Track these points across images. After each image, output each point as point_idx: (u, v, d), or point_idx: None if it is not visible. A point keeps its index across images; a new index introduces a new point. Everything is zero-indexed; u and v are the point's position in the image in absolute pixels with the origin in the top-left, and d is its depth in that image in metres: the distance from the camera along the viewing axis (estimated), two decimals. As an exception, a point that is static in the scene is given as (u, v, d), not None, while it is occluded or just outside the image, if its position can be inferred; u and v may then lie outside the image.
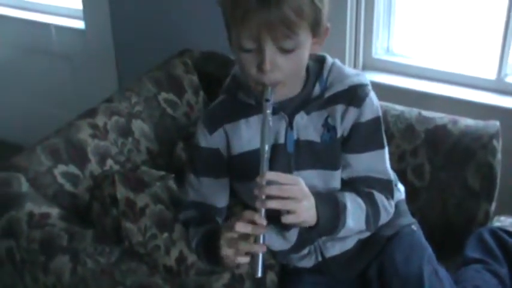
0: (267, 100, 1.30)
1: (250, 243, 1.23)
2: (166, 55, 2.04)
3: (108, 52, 2.77)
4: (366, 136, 1.43)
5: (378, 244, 1.47)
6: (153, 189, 1.43)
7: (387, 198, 1.45)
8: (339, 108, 1.40)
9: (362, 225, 1.41)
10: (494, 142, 1.71)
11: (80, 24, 2.86)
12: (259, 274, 1.22)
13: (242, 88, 1.43)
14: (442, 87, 2.23)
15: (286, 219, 1.24)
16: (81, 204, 1.56)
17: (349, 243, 1.48)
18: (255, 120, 1.42)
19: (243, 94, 1.43)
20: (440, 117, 1.79)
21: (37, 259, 1.39)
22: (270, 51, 1.26)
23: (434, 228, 1.69)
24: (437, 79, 2.26)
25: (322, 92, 1.41)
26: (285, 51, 1.27)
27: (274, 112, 1.35)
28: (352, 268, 1.49)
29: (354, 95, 1.40)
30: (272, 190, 1.22)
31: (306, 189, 1.28)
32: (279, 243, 1.47)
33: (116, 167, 1.68)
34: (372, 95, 1.43)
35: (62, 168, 1.60)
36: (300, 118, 1.40)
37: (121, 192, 1.40)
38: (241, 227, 1.23)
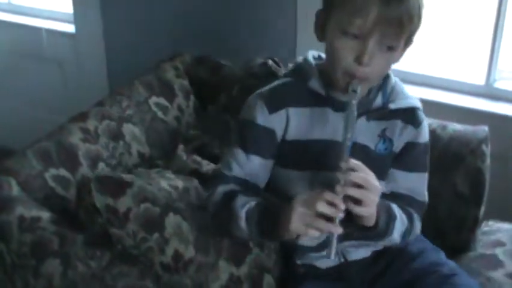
0: (354, 91, 1.31)
1: (327, 223, 1.24)
2: (157, 59, 2.04)
3: (98, 56, 2.77)
4: (418, 157, 1.48)
5: (390, 253, 1.50)
6: (134, 187, 1.39)
7: (419, 221, 1.49)
8: (398, 123, 1.45)
9: (398, 239, 1.43)
10: (483, 147, 1.72)
11: (70, 28, 2.87)
12: (333, 257, 1.26)
13: (315, 76, 1.41)
14: (431, 93, 2.24)
15: (360, 210, 1.27)
16: (72, 207, 1.55)
17: (367, 252, 1.50)
18: (319, 111, 1.42)
19: (315, 82, 1.41)
20: (429, 122, 1.80)
21: (28, 263, 1.39)
22: (373, 45, 1.28)
23: (424, 233, 1.69)
24: (426, 84, 2.27)
25: (384, 103, 1.44)
26: (385, 49, 1.30)
27: (338, 109, 1.38)
28: (366, 274, 1.50)
29: (414, 115, 1.46)
30: (354, 176, 1.25)
31: (380, 187, 1.31)
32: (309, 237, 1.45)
33: (108, 170, 1.68)
34: (426, 121, 1.49)
35: (53, 171, 1.60)
36: (361, 123, 1.40)
37: (99, 200, 1.37)
38: (322, 207, 1.24)
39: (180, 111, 1.94)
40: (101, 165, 1.69)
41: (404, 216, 1.44)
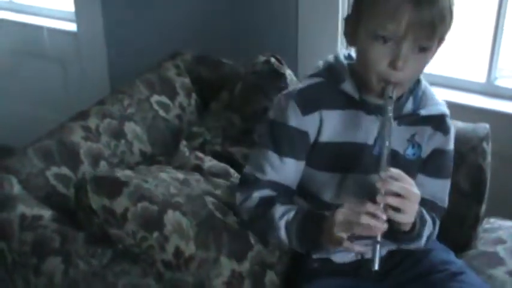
0: (390, 97, 1.30)
1: (368, 228, 1.24)
2: (159, 58, 2.05)
3: (100, 54, 2.77)
4: (444, 164, 1.49)
5: (402, 251, 1.50)
6: (131, 186, 1.38)
7: (438, 226, 1.50)
8: (428, 129, 1.45)
9: (424, 243, 1.44)
10: (484, 145, 1.72)
11: (72, 27, 2.87)
12: (377, 267, 1.25)
13: (348, 78, 1.40)
14: (433, 90, 2.23)
15: (400, 217, 1.27)
16: (74, 206, 1.55)
17: (383, 251, 1.48)
18: (352, 114, 1.41)
19: (348, 85, 1.39)
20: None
21: (29, 261, 1.39)
22: (407, 49, 1.27)
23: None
24: (427, 82, 2.27)
25: (414, 108, 1.43)
26: (417, 52, 1.29)
27: (371, 112, 1.38)
28: (381, 273, 1.49)
29: (443, 122, 1.46)
30: (394, 186, 1.25)
31: (419, 194, 1.31)
32: None
33: (105, 169, 1.68)
34: (453, 127, 1.49)
35: (54, 170, 1.60)
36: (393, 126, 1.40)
37: (96, 202, 1.36)
38: (365, 219, 1.24)
39: (182, 110, 1.94)
40: (103, 163, 1.70)
41: (430, 221, 1.45)
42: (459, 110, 2.11)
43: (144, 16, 2.59)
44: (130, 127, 1.80)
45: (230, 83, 1.92)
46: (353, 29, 1.35)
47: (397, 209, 1.26)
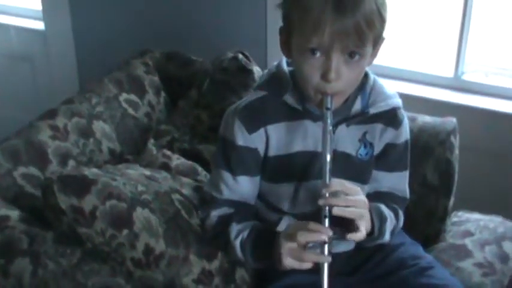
0: (328, 109, 1.29)
1: (315, 254, 1.26)
2: (127, 56, 2.04)
3: (69, 53, 2.76)
4: (398, 157, 1.48)
5: (372, 247, 1.49)
6: (99, 184, 1.37)
7: (402, 215, 1.51)
8: (378, 126, 1.43)
9: (388, 238, 1.44)
10: (452, 138, 1.74)
11: (39, 26, 2.84)
12: (326, 286, 1.25)
13: (290, 89, 1.38)
14: (401, 85, 2.26)
15: (355, 236, 1.29)
16: (42, 205, 1.54)
17: (349, 246, 1.50)
18: (298, 125, 1.40)
19: (290, 97, 1.38)
20: (399, 114, 1.81)
21: (-3, 263, 1.38)
22: (337, 60, 1.25)
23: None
24: (395, 77, 2.29)
25: (364, 107, 1.41)
26: (350, 60, 1.26)
27: (316, 120, 1.36)
28: (347, 266, 1.50)
29: (394, 116, 1.44)
30: (338, 201, 1.26)
31: (366, 200, 1.31)
32: None
33: (72, 168, 1.66)
34: (406, 117, 1.48)
35: (22, 170, 1.58)
36: (341, 130, 1.39)
37: (63, 201, 1.35)
38: (304, 237, 1.25)
39: (151, 108, 1.94)
40: (71, 162, 1.68)
41: (392, 215, 1.44)
42: (427, 104, 2.15)
43: (113, 13, 2.58)
44: (98, 126, 1.78)
45: (199, 80, 1.92)
46: (286, 41, 1.33)
47: (348, 223, 1.28)
